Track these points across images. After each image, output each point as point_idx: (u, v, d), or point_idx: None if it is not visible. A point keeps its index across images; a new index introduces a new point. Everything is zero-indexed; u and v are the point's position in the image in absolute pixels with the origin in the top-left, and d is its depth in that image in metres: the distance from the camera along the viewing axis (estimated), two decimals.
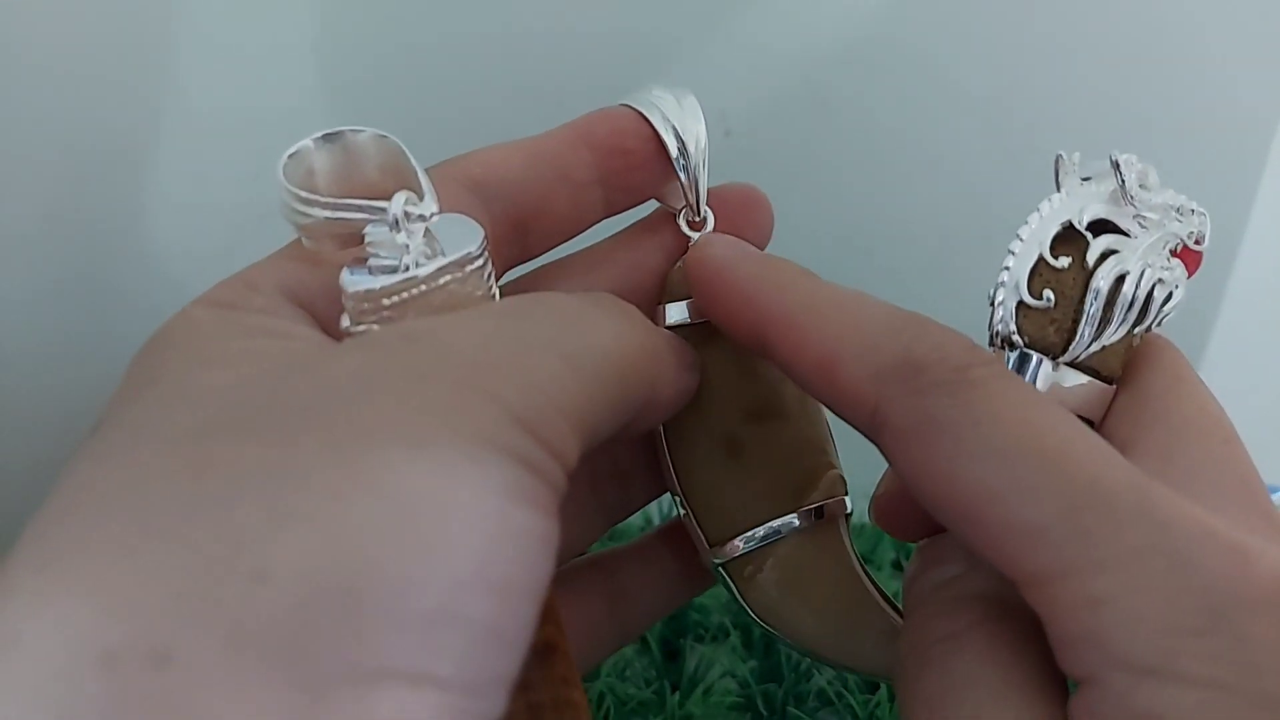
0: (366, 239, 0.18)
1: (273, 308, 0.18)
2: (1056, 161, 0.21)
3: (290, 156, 0.18)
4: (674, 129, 0.22)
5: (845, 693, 0.33)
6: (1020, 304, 0.20)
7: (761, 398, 0.23)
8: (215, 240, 0.37)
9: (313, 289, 0.19)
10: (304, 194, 0.18)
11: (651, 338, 0.19)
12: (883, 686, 0.33)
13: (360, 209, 0.18)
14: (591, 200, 0.22)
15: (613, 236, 0.24)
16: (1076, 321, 0.20)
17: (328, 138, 0.18)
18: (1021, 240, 0.21)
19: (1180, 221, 0.20)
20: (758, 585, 0.23)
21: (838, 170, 0.39)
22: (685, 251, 0.23)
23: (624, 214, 0.24)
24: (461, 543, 0.13)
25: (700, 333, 0.23)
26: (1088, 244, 0.20)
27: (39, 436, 0.37)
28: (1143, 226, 0.20)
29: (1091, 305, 0.20)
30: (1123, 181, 0.21)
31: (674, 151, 0.22)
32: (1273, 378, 0.43)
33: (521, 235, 0.22)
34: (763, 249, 0.24)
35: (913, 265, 0.39)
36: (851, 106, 0.38)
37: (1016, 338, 0.20)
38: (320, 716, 0.12)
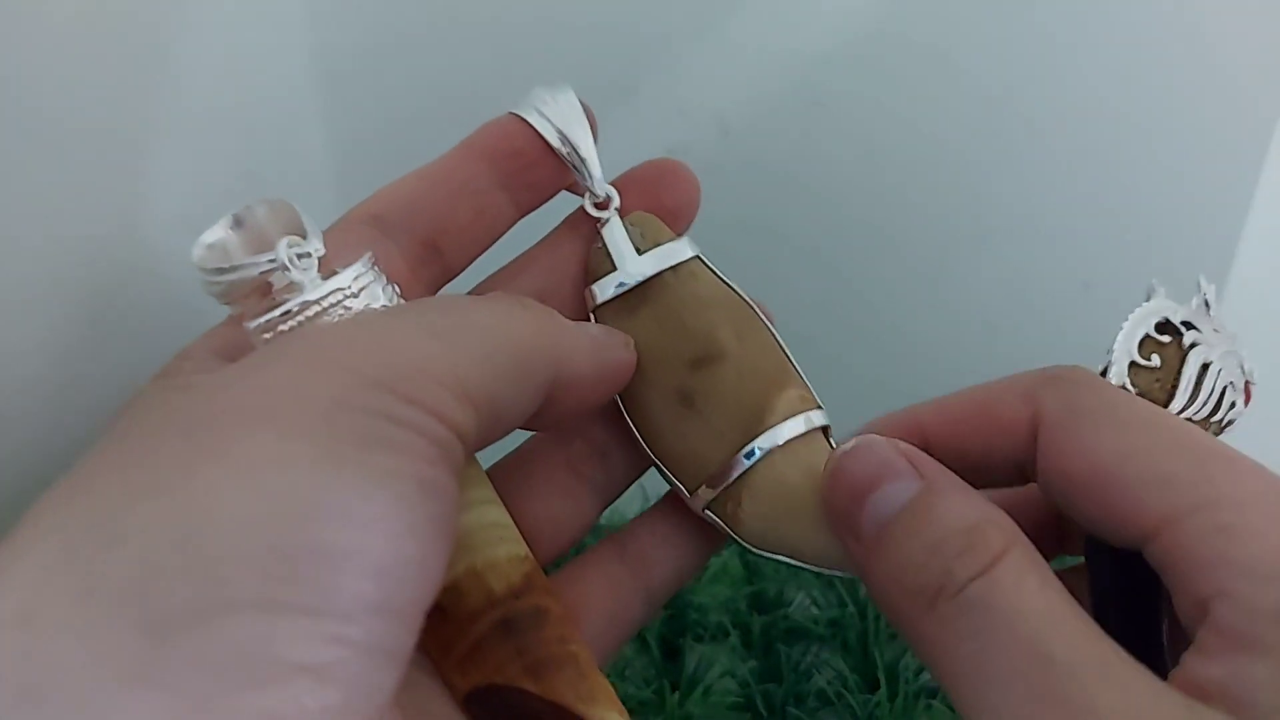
0: (274, 287, 0.20)
1: (204, 368, 0.21)
2: (1150, 286, 0.26)
3: (207, 246, 0.21)
4: (550, 122, 0.24)
5: (845, 692, 0.33)
6: (1132, 363, 0.24)
7: (700, 346, 0.24)
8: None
9: (241, 345, 0.21)
10: (207, 265, 0.20)
11: (545, 319, 0.20)
12: (883, 686, 0.33)
13: (254, 263, 0.20)
14: (498, 205, 0.24)
15: (538, 242, 0.26)
16: (1175, 385, 0.24)
17: (235, 220, 0.21)
18: (1128, 320, 0.25)
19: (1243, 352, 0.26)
20: (742, 520, 0.24)
21: (835, 170, 0.39)
22: (596, 232, 0.25)
23: (554, 213, 0.25)
24: (297, 491, 0.15)
25: (631, 301, 0.24)
26: (1182, 334, 0.25)
27: (39, 436, 0.37)
28: (1216, 332, 0.25)
29: (1186, 373, 0.24)
30: (1205, 297, 0.26)
31: (555, 142, 0.24)
32: (1273, 377, 0.43)
33: (435, 254, 0.24)
34: (687, 221, 0.25)
35: (911, 264, 0.39)
36: (849, 106, 0.38)
37: (1129, 387, 0.24)
38: (164, 656, 0.13)
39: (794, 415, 0.24)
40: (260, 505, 0.14)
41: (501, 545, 0.20)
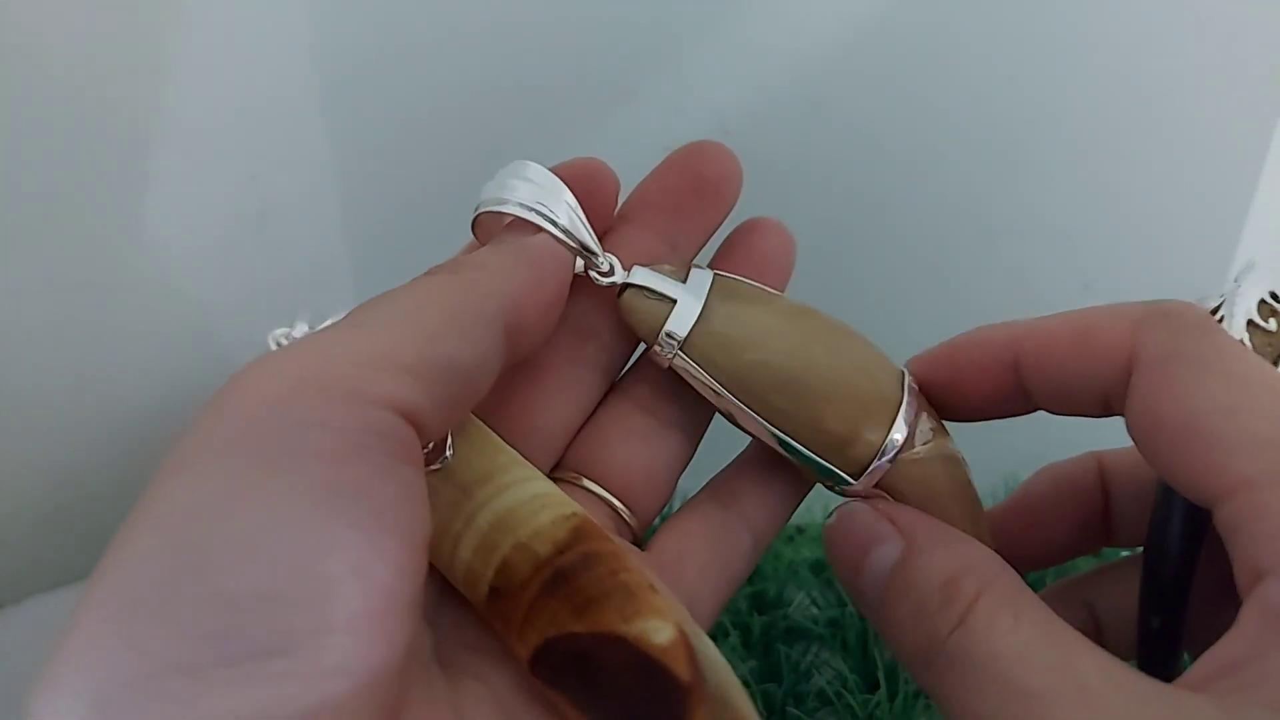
0: None
1: None
2: (1249, 261, 0.25)
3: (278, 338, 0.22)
4: (534, 209, 0.22)
5: (845, 692, 0.33)
6: (1250, 321, 0.23)
7: (782, 365, 0.23)
8: (213, 239, 0.37)
9: None
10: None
11: (473, 270, 0.20)
12: (882, 686, 0.33)
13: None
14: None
15: None
16: None
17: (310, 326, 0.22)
18: (1239, 285, 0.24)
19: None
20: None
21: (835, 170, 0.39)
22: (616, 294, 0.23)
23: None
24: (218, 535, 0.15)
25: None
26: None
27: (38, 435, 0.37)
28: None
29: None
30: None
31: (552, 230, 0.22)
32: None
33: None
34: (784, 275, 0.25)
35: (911, 264, 0.39)
36: (849, 106, 0.38)
37: (1247, 343, 0.23)
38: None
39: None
40: (173, 555, 0.15)
41: (545, 511, 0.20)
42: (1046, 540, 0.25)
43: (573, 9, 0.36)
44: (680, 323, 0.22)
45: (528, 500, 0.20)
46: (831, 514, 0.22)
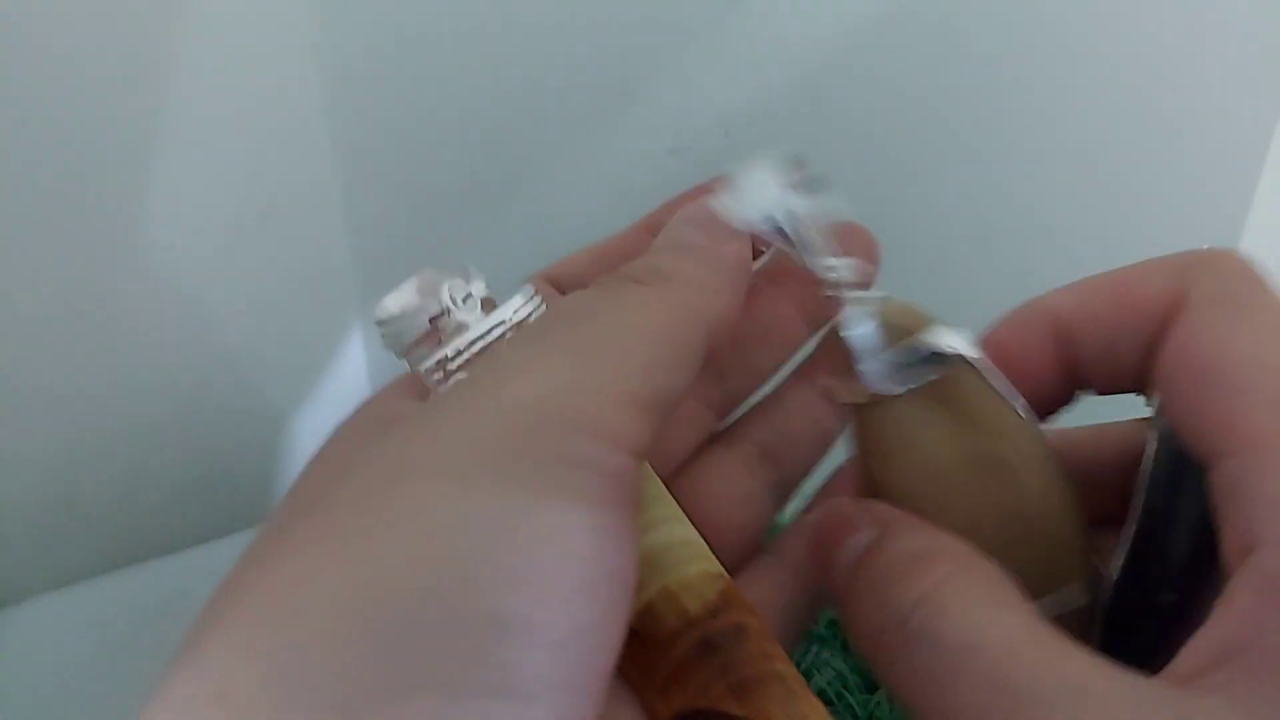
0: (444, 333, 0.20)
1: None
2: None
3: (387, 303, 0.21)
4: (756, 207, 0.21)
5: (845, 692, 0.33)
6: None
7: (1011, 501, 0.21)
8: (215, 239, 0.37)
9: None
10: (380, 318, 0.21)
11: (680, 287, 0.19)
12: (882, 686, 0.33)
13: (420, 309, 0.20)
14: None
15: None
16: None
17: (416, 284, 0.22)
18: None
19: None
20: None
21: (835, 169, 0.39)
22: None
23: None
24: (474, 555, 0.14)
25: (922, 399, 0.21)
26: None
27: (40, 436, 0.37)
28: None
29: None
30: None
31: (761, 227, 0.21)
32: None
33: None
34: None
35: (911, 263, 0.39)
36: (850, 106, 0.38)
37: None
38: None
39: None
40: (439, 573, 0.14)
41: (693, 563, 0.19)
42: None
43: (575, 9, 0.36)
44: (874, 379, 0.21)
45: (677, 545, 0.19)
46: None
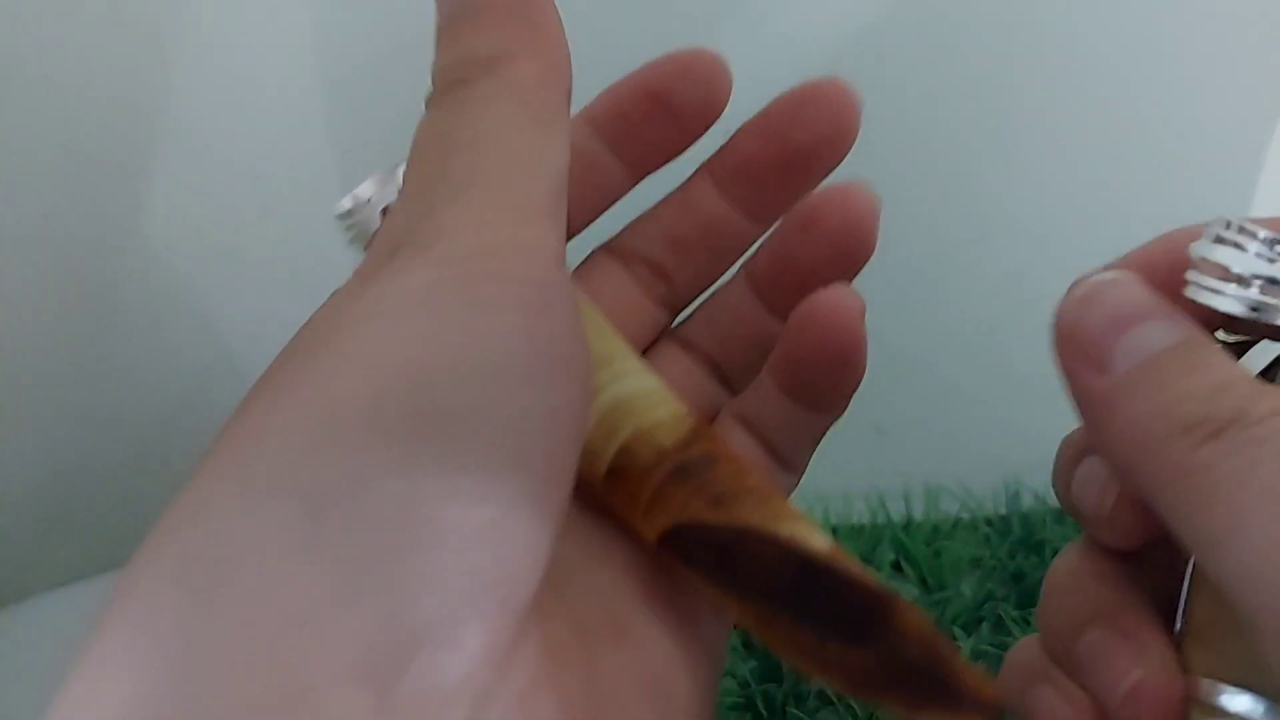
0: None
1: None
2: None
3: (349, 198, 0.22)
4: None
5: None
6: None
7: None
8: (215, 239, 0.37)
9: None
10: (339, 212, 0.22)
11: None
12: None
13: (381, 198, 0.21)
14: (608, 168, 0.23)
15: (665, 197, 0.25)
16: None
17: (379, 179, 0.22)
18: None
19: None
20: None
21: (837, 168, 0.39)
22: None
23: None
24: (417, 355, 0.15)
25: None
26: None
27: (41, 435, 0.37)
28: None
29: None
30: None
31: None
32: None
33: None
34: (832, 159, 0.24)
35: (911, 262, 0.39)
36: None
37: None
38: (320, 530, 0.14)
39: None
40: (385, 377, 0.15)
41: (662, 406, 0.20)
42: None
43: (575, 10, 0.36)
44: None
45: (645, 393, 0.21)
46: (1099, 274, 0.19)
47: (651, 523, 0.19)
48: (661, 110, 0.23)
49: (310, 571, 0.13)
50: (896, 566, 0.39)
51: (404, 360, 0.15)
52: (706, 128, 0.23)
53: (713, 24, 0.37)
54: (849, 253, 0.23)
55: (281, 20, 0.35)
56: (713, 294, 0.25)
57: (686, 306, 0.25)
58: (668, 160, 0.24)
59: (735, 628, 0.22)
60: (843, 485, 0.40)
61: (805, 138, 0.23)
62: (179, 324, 0.37)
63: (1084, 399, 0.18)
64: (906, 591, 0.37)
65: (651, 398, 0.21)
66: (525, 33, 0.19)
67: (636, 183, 0.24)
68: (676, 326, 0.25)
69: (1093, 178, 0.40)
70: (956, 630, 0.34)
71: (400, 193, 0.18)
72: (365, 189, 0.21)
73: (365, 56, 0.36)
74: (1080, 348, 0.18)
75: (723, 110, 0.23)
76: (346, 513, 0.14)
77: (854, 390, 0.22)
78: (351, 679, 0.13)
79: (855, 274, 0.23)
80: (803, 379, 0.22)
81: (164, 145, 0.34)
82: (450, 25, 0.20)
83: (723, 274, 0.25)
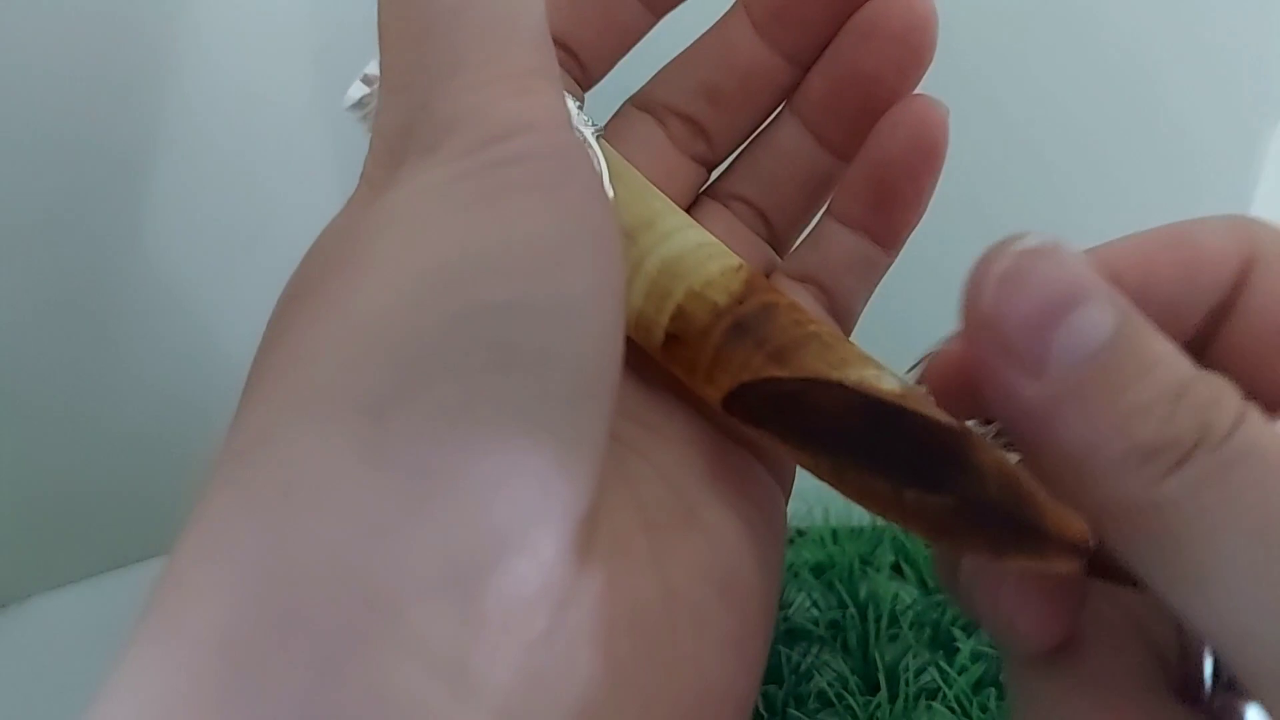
0: None
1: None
2: None
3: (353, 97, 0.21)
4: None
5: (845, 694, 0.33)
6: None
7: None
8: (214, 243, 0.37)
9: None
10: (356, 105, 0.21)
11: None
12: (883, 687, 0.33)
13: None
14: (628, 7, 0.22)
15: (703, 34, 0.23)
16: None
17: (367, 78, 0.22)
18: None
19: None
20: None
21: None
22: None
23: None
24: (463, 262, 0.15)
25: None
26: None
27: (40, 438, 0.37)
28: None
29: None
30: None
31: None
32: None
33: (573, 62, 0.22)
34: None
35: (912, 264, 0.39)
36: None
37: None
38: (383, 434, 0.14)
39: None
40: (421, 280, 0.14)
41: (712, 261, 0.20)
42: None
43: None
44: None
45: (693, 249, 0.20)
46: (1022, 238, 0.16)
47: (715, 386, 0.19)
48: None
49: (381, 483, 0.13)
50: (896, 568, 0.39)
51: (437, 261, 0.15)
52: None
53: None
54: (914, 59, 0.22)
55: (281, 20, 0.35)
56: (754, 140, 0.23)
57: (722, 163, 0.23)
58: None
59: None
60: None
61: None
62: (178, 325, 0.37)
63: (1012, 410, 0.15)
64: (906, 592, 0.37)
65: (699, 253, 0.20)
66: None
67: (658, 20, 0.22)
68: (715, 182, 0.24)
69: (1092, 179, 0.40)
70: (957, 631, 0.34)
71: (380, 83, 0.18)
72: (375, 68, 0.20)
73: (365, 56, 0.36)
74: (1005, 344, 0.15)
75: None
76: (407, 421, 0.13)
77: (921, 214, 0.22)
78: (436, 590, 0.13)
79: (915, 86, 0.22)
80: (884, 194, 0.21)
81: (161, 152, 0.34)
82: None
83: (760, 125, 0.23)
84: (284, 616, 0.12)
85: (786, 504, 0.21)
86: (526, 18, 0.17)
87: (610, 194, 0.20)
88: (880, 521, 0.40)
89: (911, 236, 0.34)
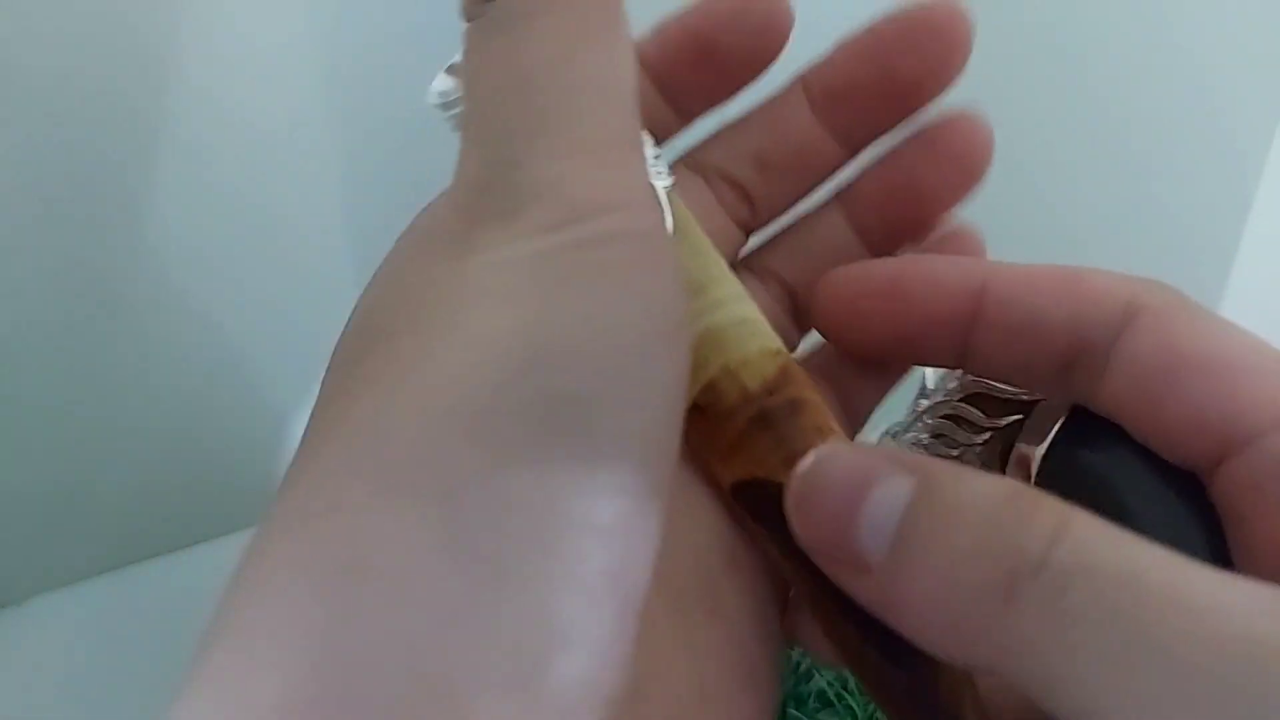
0: None
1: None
2: None
3: (438, 91, 0.21)
4: None
5: (845, 694, 0.33)
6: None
7: None
8: (214, 240, 0.37)
9: None
10: (446, 103, 0.20)
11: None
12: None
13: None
14: (662, 117, 0.22)
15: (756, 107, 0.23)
16: None
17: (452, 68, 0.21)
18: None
19: None
20: None
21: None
22: None
23: None
24: (551, 335, 0.14)
25: None
26: None
27: (41, 437, 0.37)
28: None
29: None
30: None
31: None
32: None
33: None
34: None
35: None
36: None
37: None
38: (455, 525, 0.13)
39: None
40: (506, 361, 0.14)
41: (753, 340, 0.20)
42: (901, 323, 0.20)
43: None
44: None
45: (738, 324, 0.20)
46: (803, 460, 0.17)
47: (728, 469, 0.19)
48: (711, 59, 0.21)
49: (451, 570, 0.13)
50: None
51: (523, 342, 0.14)
52: (761, 74, 0.22)
53: None
54: (969, 178, 0.22)
55: (282, 21, 0.35)
56: (799, 221, 0.23)
57: (758, 231, 0.24)
58: (722, 103, 0.22)
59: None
60: None
61: (913, 65, 0.21)
62: (180, 326, 0.37)
63: (863, 600, 0.16)
64: None
65: (742, 329, 0.20)
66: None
67: (687, 126, 0.22)
68: (754, 253, 0.24)
69: (1092, 179, 0.40)
70: None
71: (464, 132, 0.17)
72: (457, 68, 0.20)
73: (367, 53, 0.36)
74: (824, 550, 0.16)
75: (779, 54, 0.22)
76: (482, 507, 0.13)
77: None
78: (498, 683, 0.13)
79: (965, 203, 0.22)
80: (905, 209, 0.22)
81: (164, 149, 0.34)
82: None
83: (801, 200, 0.23)
84: (344, 698, 0.12)
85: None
86: (621, 78, 0.16)
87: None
88: None
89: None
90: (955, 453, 0.21)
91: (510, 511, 0.13)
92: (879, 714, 0.32)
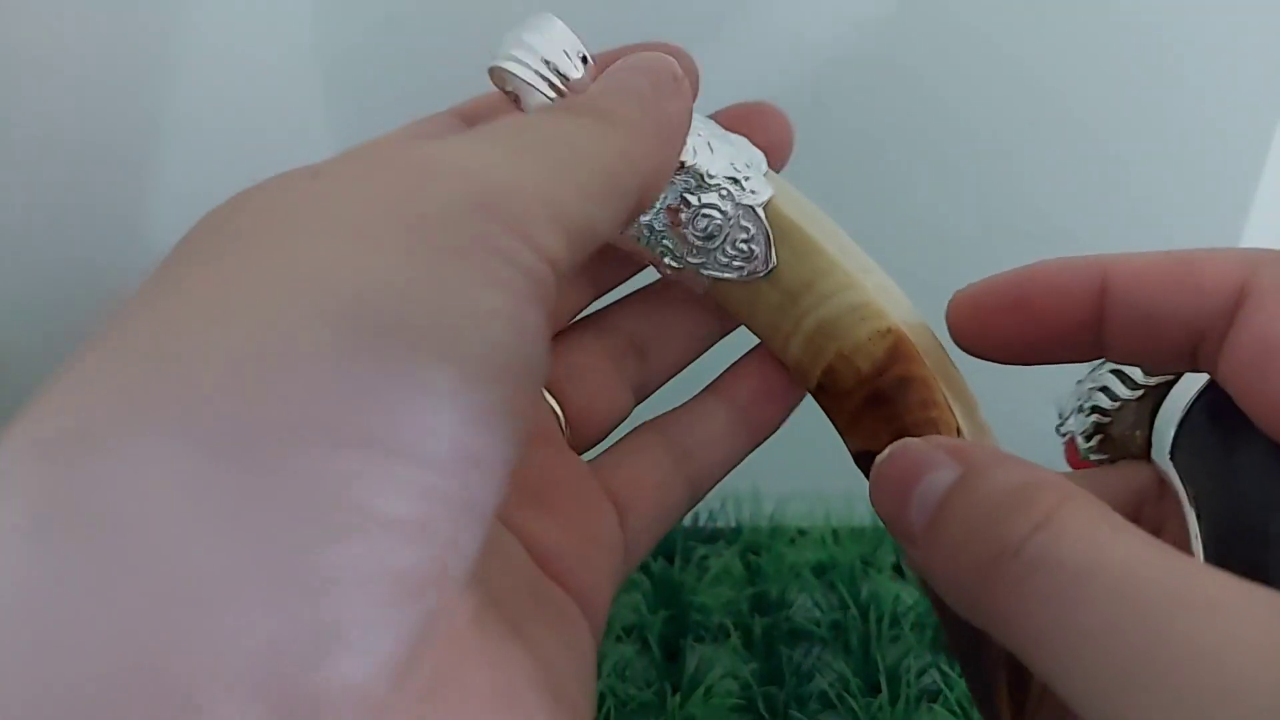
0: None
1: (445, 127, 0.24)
2: None
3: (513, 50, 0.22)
4: (543, 68, 0.22)
5: (847, 695, 0.33)
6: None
7: None
8: None
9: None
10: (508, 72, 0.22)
11: (632, 131, 0.19)
12: (884, 688, 0.33)
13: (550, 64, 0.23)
14: None
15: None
16: None
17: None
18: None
19: None
20: None
21: (835, 169, 0.39)
22: None
23: None
24: (383, 307, 0.13)
25: None
26: None
27: None
28: None
29: None
30: None
31: (552, 94, 0.22)
32: None
33: None
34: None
35: (913, 265, 0.39)
36: (849, 107, 0.38)
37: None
38: (233, 486, 0.11)
39: None
40: (330, 329, 0.12)
41: (863, 325, 0.22)
42: (1033, 332, 0.21)
43: (574, 9, 0.36)
44: None
45: (847, 312, 0.22)
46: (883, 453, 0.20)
47: (850, 440, 0.22)
48: None
49: (216, 545, 0.11)
50: (898, 569, 0.39)
51: (369, 302, 0.13)
52: None
53: (712, 26, 0.37)
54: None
55: (283, 16, 0.35)
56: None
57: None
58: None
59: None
60: (844, 486, 0.40)
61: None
62: None
63: (913, 566, 0.19)
64: (908, 594, 0.37)
65: (852, 316, 0.22)
66: (650, 127, 0.19)
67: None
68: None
69: (1092, 179, 0.40)
70: None
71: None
72: (534, 37, 0.22)
73: (365, 51, 0.36)
74: (890, 525, 0.18)
75: None
76: (273, 479, 0.11)
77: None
78: (248, 688, 0.11)
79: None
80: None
81: (164, 148, 0.34)
82: (608, 82, 0.20)
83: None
84: (47, 686, 0.10)
85: (598, 648, 0.21)
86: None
87: (775, 261, 0.23)
88: (881, 522, 0.40)
89: (913, 237, 0.34)
90: (1115, 405, 0.22)
91: (302, 490, 0.11)
92: (880, 715, 0.32)
